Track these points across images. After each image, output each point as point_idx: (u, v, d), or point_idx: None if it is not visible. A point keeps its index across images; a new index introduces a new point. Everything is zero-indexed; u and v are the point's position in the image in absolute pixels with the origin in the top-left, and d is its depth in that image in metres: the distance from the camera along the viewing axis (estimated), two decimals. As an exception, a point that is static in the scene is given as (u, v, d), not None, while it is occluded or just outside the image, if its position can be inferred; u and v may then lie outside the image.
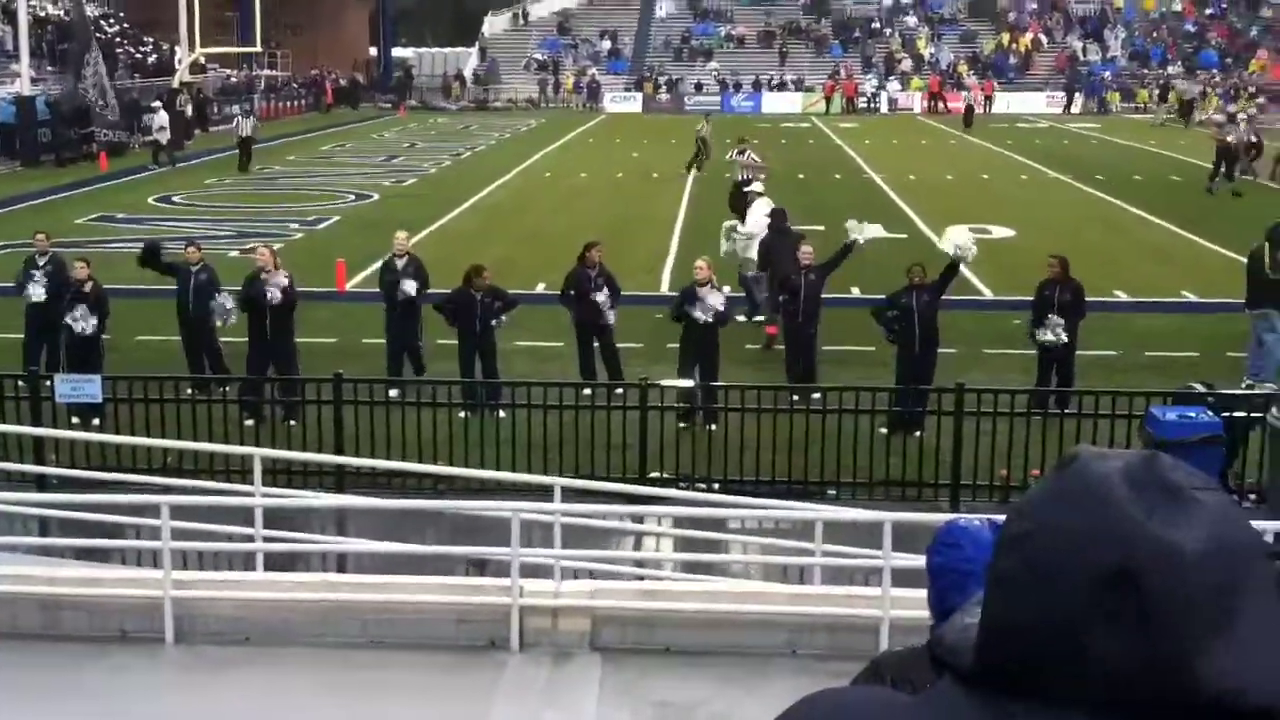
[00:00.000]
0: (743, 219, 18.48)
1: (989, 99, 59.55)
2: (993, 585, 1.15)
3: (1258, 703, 1.07)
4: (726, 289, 14.74)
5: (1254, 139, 34.14)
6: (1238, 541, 1.11)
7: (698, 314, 13.61)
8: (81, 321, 13.74)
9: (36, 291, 14.66)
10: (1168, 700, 1.07)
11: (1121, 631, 1.08)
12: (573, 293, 14.90)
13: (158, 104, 39.87)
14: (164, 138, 38.19)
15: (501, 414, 13.08)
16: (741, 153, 24.28)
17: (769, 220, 17.56)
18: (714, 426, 12.82)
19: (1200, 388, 12.93)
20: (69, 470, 11.71)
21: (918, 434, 12.87)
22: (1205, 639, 1.07)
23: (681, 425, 12.98)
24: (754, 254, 17.54)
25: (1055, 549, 1.11)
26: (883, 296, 14.37)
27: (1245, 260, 15.97)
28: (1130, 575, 1.07)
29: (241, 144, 37.12)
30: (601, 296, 14.61)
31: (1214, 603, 1.08)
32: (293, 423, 13.19)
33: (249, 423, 13.29)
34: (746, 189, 20.08)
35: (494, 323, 14.17)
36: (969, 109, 54.78)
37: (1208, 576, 1.08)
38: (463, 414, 13.10)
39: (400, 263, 15.19)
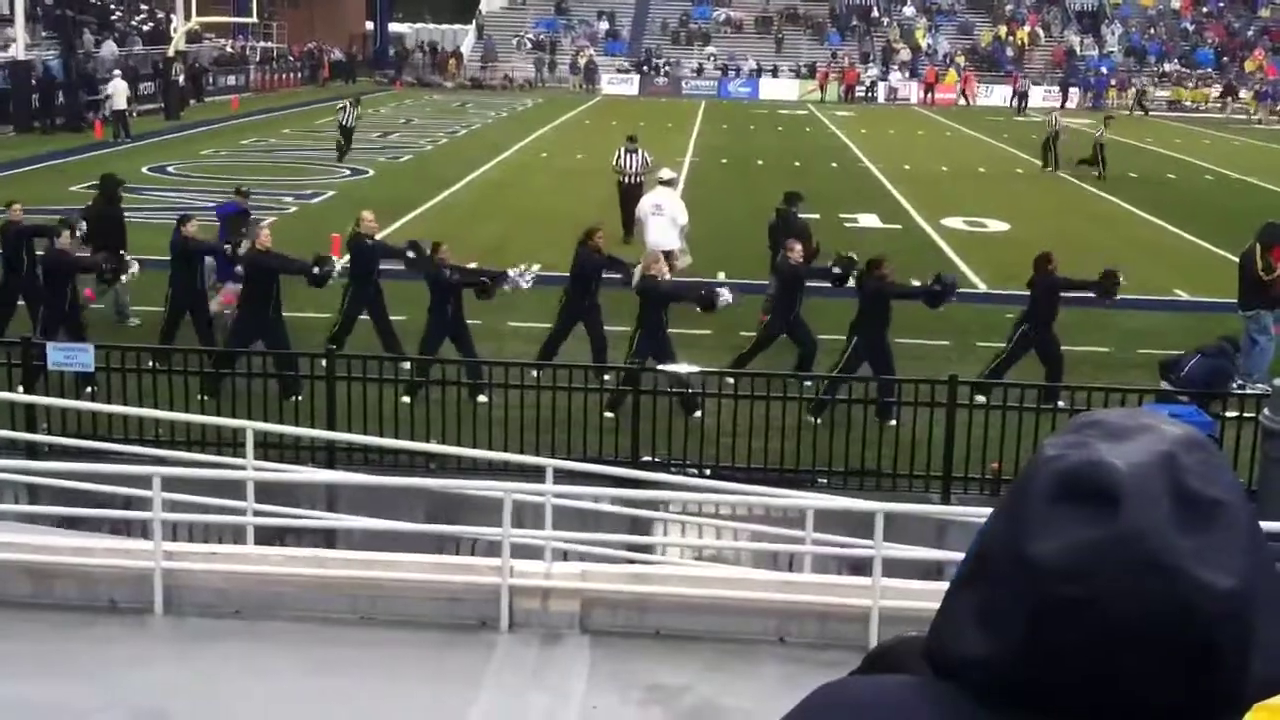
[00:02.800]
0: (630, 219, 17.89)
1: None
2: (1043, 641, 1.11)
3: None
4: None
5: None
6: (1262, 556, 1.14)
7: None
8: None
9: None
10: (1213, 708, 1.11)
11: (1187, 676, 1.10)
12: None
13: (117, 73, 39.44)
14: (110, 107, 37.22)
15: (482, 398, 13.00)
16: (634, 152, 22.69)
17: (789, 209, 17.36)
18: (699, 415, 12.83)
19: (1168, 386, 13.01)
20: (60, 439, 11.68)
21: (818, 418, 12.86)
22: (1250, 654, 1.11)
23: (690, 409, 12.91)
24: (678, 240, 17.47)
25: (1123, 624, 1.09)
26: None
27: (1237, 260, 16.03)
28: (1204, 644, 1.09)
29: (344, 132, 34.29)
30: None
31: (1255, 619, 1.11)
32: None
33: (297, 398, 13.10)
34: (663, 180, 19.11)
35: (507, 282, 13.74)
36: (1023, 95, 55.99)
37: (1250, 605, 1.11)
38: (406, 399, 12.96)
39: (370, 242, 15.18)
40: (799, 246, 14.89)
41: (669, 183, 19.01)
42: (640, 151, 22.65)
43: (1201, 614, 1.08)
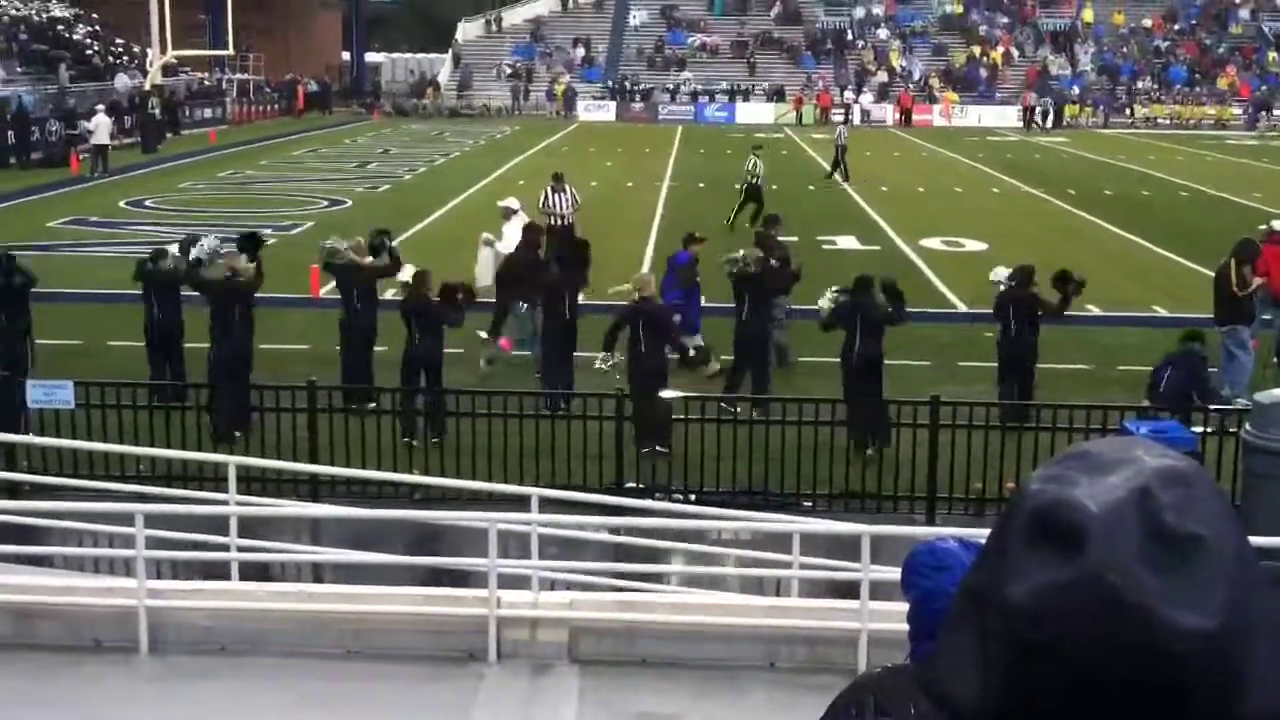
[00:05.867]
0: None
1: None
2: (1020, 686, 1.10)
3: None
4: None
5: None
6: (1253, 588, 1.11)
7: None
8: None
9: None
10: None
11: (1167, 709, 1.08)
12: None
13: (100, 107, 39.38)
14: (94, 140, 37.21)
15: (431, 440, 12.98)
16: (561, 191, 20.94)
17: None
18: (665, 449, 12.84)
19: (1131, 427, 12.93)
20: (41, 477, 11.61)
21: (869, 451, 12.79)
22: (1239, 683, 1.09)
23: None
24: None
25: (1090, 668, 1.07)
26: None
27: (1213, 275, 16.15)
28: (1174, 686, 1.07)
29: (753, 192, 27.53)
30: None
31: (1239, 655, 1.09)
32: (237, 434, 13.10)
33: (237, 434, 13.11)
34: (511, 209, 18.48)
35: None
36: (1034, 111, 57.39)
37: (1234, 642, 1.08)
38: (409, 441, 13.02)
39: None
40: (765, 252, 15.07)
41: (517, 212, 18.43)
42: (568, 189, 21.15)
43: (1169, 654, 1.06)
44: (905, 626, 3.82)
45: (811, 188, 36.08)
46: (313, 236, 26.32)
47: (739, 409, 13.00)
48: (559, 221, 20.56)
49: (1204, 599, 1.07)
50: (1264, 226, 17.87)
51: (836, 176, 37.08)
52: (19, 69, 45.10)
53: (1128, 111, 62.76)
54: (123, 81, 47.15)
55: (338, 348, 15.06)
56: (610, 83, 66.31)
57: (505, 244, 17.54)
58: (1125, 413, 12.20)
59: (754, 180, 27.45)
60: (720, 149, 47.43)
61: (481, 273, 17.61)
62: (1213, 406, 12.85)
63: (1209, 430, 11.89)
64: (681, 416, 12.86)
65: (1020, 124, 59.70)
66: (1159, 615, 1.06)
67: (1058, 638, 1.07)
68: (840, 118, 57.09)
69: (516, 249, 16.73)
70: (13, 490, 11.81)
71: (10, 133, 38.87)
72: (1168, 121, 61.63)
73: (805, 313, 15.14)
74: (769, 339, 15.01)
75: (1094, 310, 20.00)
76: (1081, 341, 17.05)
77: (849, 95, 63.59)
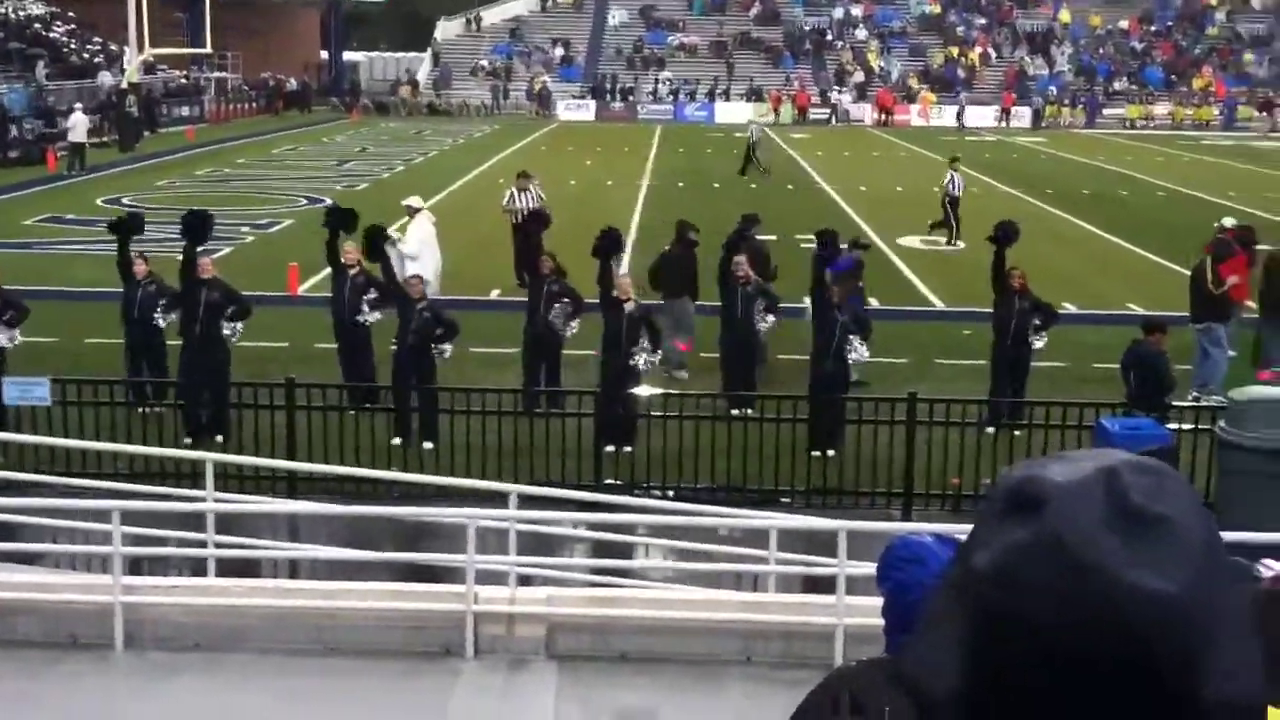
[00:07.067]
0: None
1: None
2: (983, 663, 1.10)
3: (1249, 703, 1.11)
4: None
5: None
6: (1220, 574, 1.12)
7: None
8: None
9: None
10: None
11: (1129, 684, 1.08)
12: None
13: (77, 105, 39.21)
14: (71, 138, 37.04)
15: (428, 445, 12.89)
16: (526, 190, 21.03)
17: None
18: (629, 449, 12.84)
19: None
20: (17, 474, 11.57)
21: (830, 453, 12.78)
22: (1203, 666, 1.09)
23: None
24: (416, 270, 16.47)
25: (1055, 633, 1.08)
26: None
27: (1189, 274, 16.26)
28: (1140, 653, 1.07)
29: (951, 207, 27.24)
30: (555, 312, 14.31)
31: (1204, 633, 1.09)
32: (220, 438, 13.06)
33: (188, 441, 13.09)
34: (414, 208, 18.40)
35: (436, 350, 13.55)
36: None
37: (1197, 619, 1.08)
38: (396, 440, 13.03)
39: (352, 272, 15.03)
40: (744, 259, 14.97)
41: (420, 210, 18.15)
42: (533, 188, 20.98)
43: (1131, 622, 1.06)
44: (880, 621, 3.85)
45: (790, 187, 36.15)
46: (292, 235, 26.30)
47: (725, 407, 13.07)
48: (522, 219, 20.24)
49: (1166, 568, 1.07)
50: (1217, 224, 17.99)
51: (760, 171, 37.83)
52: (-2, 67, 44.89)
53: (1104, 112, 62.95)
54: (106, 80, 46.99)
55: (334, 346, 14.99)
56: (589, 83, 66.30)
57: (408, 245, 17.21)
58: (1100, 410, 12.26)
59: (954, 194, 27.40)
60: (700, 148, 47.48)
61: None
62: (1176, 399, 12.93)
63: (1183, 427, 11.96)
64: (660, 414, 12.90)
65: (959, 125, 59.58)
66: (1121, 578, 1.06)
67: (1019, 604, 1.08)
68: (824, 115, 58.18)
69: (673, 245, 16.55)
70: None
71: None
72: (1147, 122, 61.84)
73: (787, 311, 15.15)
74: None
75: (1071, 308, 20.10)
76: (1058, 340, 17.09)
77: (833, 96, 63.63)
